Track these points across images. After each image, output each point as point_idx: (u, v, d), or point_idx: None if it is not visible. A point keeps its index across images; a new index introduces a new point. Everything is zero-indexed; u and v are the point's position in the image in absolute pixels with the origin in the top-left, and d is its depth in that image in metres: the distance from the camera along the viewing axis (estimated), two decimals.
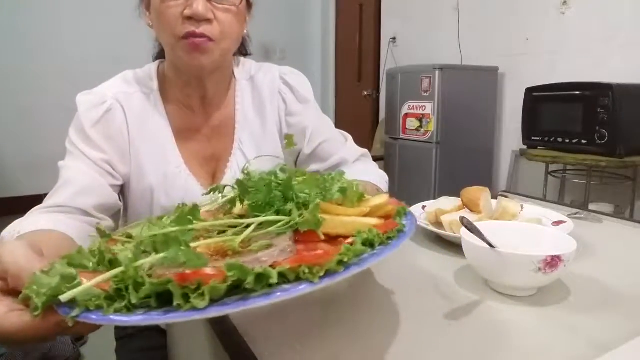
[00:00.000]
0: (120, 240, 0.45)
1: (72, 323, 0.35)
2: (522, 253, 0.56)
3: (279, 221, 0.43)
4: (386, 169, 3.10)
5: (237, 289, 0.35)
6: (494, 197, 0.88)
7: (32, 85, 3.68)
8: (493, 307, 0.58)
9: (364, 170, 0.90)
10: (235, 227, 0.44)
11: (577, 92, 2.08)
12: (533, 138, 2.30)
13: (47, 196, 0.74)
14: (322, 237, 0.42)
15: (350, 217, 0.46)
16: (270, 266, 0.36)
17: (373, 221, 0.46)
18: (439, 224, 0.82)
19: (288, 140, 0.65)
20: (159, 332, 0.88)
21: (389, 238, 0.44)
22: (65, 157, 0.78)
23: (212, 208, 0.54)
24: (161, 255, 0.36)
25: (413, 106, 2.79)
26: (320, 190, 0.47)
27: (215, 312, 0.33)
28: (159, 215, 0.81)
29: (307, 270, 0.36)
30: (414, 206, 0.91)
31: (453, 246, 0.77)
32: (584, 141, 2.05)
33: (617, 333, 0.51)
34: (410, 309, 0.57)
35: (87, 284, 0.35)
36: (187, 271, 0.35)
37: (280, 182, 0.47)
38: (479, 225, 0.64)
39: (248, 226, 0.43)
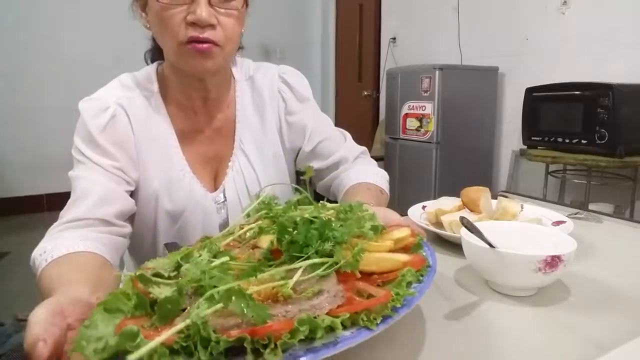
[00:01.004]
0: (152, 280, 0.43)
1: None
2: (522, 253, 0.56)
3: (321, 262, 0.44)
4: (386, 169, 3.09)
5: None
6: (494, 197, 0.88)
7: (32, 85, 3.69)
8: (493, 307, 0.58)
9: (364, 170, 0.90)
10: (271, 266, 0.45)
11: (577, 92, 2.08)
12: (533, 138, 2.30)
13: (65, 209, 0.72)
14: (359, 276, 0.45)
15: (381, 253, 0.48)
16: (327, 313, 0.38)
17: (403, 257, 0.48)
18: (439, 224, 0.82)
19: (307, 171, 0.65)
20: None
21: (421, 276, 0.47)
22: (74, 166, 0.77)
23: (234, 238, 0.54)
24: (220, 305, 0.36)
25: (413, 106, 2.79)
26: (356, 229, 0.49)
27: None
28: (165, 221, 0.81)
29: (365, 318, 0.38)
30: (414, 206, 0.91)
31: (453, 246, 0.77)
32: (584, 141, 2.05)
33: (617, 333, 0.51)
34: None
35: (155, 342, 0.33)
36: (253, 325, 0.35)
37: (315, 219, 0.48)
38: (479, 225, 0.64)
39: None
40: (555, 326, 0.53)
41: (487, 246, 0.58)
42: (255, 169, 0.87)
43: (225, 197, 0.85)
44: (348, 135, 0.98)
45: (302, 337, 0.35)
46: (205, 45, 0.72)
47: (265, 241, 0.50)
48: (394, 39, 3.86)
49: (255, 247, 0.51)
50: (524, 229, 0.69)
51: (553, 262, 0.55)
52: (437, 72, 2.62)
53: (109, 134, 0.76)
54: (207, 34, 0.71)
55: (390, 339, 0.50)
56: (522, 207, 0.85)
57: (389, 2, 3.94)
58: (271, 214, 0.54)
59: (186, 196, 0.82)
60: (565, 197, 2.52)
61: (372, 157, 1.00)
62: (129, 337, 0.34)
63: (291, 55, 4.63)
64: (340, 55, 4.69)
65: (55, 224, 0.71)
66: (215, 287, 0.37)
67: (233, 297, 0.36)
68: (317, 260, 0.44)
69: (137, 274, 0.43)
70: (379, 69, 4.06)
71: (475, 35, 3.06)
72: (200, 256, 0.45)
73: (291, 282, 0.41)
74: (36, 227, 3.49)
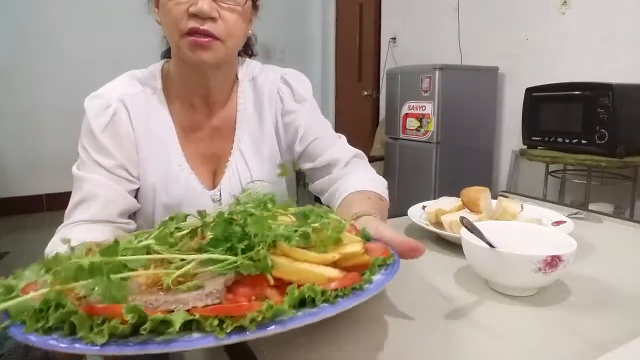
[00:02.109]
0: (79, 251, 0.44)
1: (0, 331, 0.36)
2: (522, 253, 0.56)
3: (222, 259, 0.40)
4: (386, 169, 3.10)
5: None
6: (494, 197, 0.88)
7: (32, 85, 3.69)
8: (493, 307, 0.58)
9: (363, 178, 0.87)
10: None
11: (577, 92, 2.08)
12: (533, 138, 2.30)
13: (70, 208, 0.76)
14: (272, 282, 0.40)
15: (308, 264, 0.42)
16: (189, 310, 0.36)
17: (333, 273, 0.42)
18: (439, 224, 0.82)
19: (282, 170, 0.65)
20: None
21: (337, 296, 0.40)
22: (79, 163, 0.80)
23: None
24: (82, 283, 0.37)
25: (413, 106, 2.79)
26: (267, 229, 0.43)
27: (112, 351, 0.33)
28: (162, 214, 0.82)
29: (215, 323, 0.35)
30: (414, 206, 0.91)
31: (453, 246, 0.77)
32: (584, 141, 2.04)
33: (617, 333, 0.51)
34: (410, 309, 0.57)
35: (21, 298, 0.36)
36: (98, 304, 0.35)
37: (238, 217, 0.45)
38: (479, 225, 0.64)
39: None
40: (555, 326, 0.53)
41: (487, 246, 0.58)
42: (251, 170, 0.88)
43: (221, 195, 0.86)
44: (343, 137, 0.96)
45: (130, 326, 0.34)
46: (205, 39, 0.73)
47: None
48: (394, 39, 3.86)
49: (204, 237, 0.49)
50: (524, 229, 0.69)
51: (553, 262, 0.55)
52: (437, 72, 2.62)
53: (110, 133, 0.79)
54: (207, 26, 0.73)
55: (389, 338, 0.50)
56: (522, 207, 0.85)
57: (389, 2, 3.94)
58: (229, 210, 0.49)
59: (183, 191, 0.84)
60: (565, 197, 2.52)
61: (372, 156, 1.00)
62: (7, 290, 0.38)
63: (291, 55, 4.63)
64: (340, 55, 4.69)
65: (62, 224, 0.75)
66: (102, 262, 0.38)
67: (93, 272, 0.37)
68: (214, 256, 0.41)
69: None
70: (379, 69, 4.06)
71: (475, 35, 3.06)
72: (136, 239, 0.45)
73: (176, 273, 0.39)
74: (36, 227, 3.49)
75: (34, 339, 0.34)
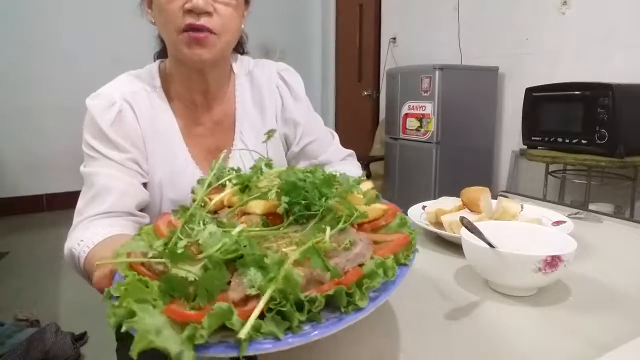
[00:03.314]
0: (180, 259, 0.39)
1: None
2: (522, 253, 0.56)
3: (338, 218, 0.47)
4: (386, 169, 3.10)
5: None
6: (494, 197, 0.88)
7: (32, 85, 3.68)
8: (493, 307, 0.58)
9: (341, 169, 0.92)
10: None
11: (577, 92, 2.07)
12: (533, 138, 2.30)
13: (84, 204, 0.74)
14: (356, 227, 0.48)
15: (366, 205, 0.52)
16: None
17: (383, 206, 0.53)
18: (439, 224, 0.82)
19: (268, 135, 0.66)
20: None
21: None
22: (85, 162, 0.79)
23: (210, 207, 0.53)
24: (295, 257, 0.37)
25: (413, 106, 2.79)
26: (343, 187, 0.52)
27: (372, 307, 0.37)
28: (169, 210, 0.82)
29: (403, 256, 0.44)
30: (414, 206, 0.91)
31: (453, 246, 0.77)
32: (584, 141, 2.04)
33: (617, 333, 0.51)
34: (411, 309, 0.57)
35: (255, 312, 0.33)
36: (319, 282, 0.38)
37: (311, 179, 0.49)
38: (479, 225, 0.64)
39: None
40: (555, 326, 0.53)
41: (487, 246, 0.58)
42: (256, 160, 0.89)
43: None
44: (336, 137, 1.01)
45: (381, 279, 0.38)
46: (201, 35, 0.74)
47: (258, 206, 0.50)
48: (394, 39, 3.86)
49: (244, 213, 0.50)
50: (524, 229, 0.69)
51: (553, 262, 0.55)
52: (437, 72, 2.62)
53: (118, 128, 0.79)
54: (203, 21, 0.74)
55: (390, 339, 0.50)
56: (522, 207, 0.85)
57: (389, 2, 3.94)
58: (239, 180, 0.56)
59: (189, 186, 0.84)
60: (565, 197, 2.52)
61: (372, 156, 1.02)
62: (224, 315, 0.33)
63: (291, 55, 4.63)
64: (340, 55, 4.69)
65: (77, 220, 0.73)
66: (252, 254, 0.38)
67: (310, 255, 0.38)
68: (338, 215, 0.46)
69: (168, 251, 0.39)
70: (379, 69, 4.06)
71: (475, 35, 3.06)
72: (202, 229, 0.42)
73: (327, 236, 0.42)
74: (36, 227, 3.49)
75: (301, 338, 0.35)
